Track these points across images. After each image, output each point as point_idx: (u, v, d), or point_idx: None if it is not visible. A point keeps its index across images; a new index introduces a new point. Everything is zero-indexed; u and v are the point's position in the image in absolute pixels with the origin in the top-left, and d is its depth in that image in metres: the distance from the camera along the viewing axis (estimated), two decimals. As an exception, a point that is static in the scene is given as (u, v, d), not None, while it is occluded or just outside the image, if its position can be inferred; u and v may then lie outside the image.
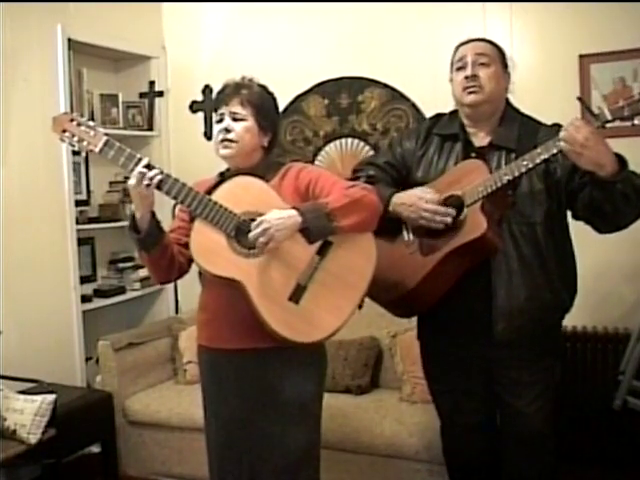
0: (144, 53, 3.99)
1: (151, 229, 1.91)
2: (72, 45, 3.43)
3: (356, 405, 2.98)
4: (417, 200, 2.07)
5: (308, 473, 2.02)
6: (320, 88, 3.70)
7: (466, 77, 2.06)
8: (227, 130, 1.97)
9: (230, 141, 1.97)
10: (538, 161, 1.92)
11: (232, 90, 2.00)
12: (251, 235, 1.82)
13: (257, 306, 1.84)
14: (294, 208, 1.86)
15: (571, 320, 2.89)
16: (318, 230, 1.86)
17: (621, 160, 1.85)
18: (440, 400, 2.32)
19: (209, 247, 1.88)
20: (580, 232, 2.16)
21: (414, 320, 2.34)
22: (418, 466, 2.73)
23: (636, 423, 2.85)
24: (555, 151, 1.87)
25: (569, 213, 2.09)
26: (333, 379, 3.09)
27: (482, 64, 2.07)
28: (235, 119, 1.97)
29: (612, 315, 3.15)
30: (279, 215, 1.83)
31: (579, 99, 1.91)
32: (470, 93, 2.06)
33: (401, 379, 3.06)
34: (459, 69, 2.09)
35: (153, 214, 1.93)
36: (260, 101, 2.00)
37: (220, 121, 2.00)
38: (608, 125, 1.84)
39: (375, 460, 2.80)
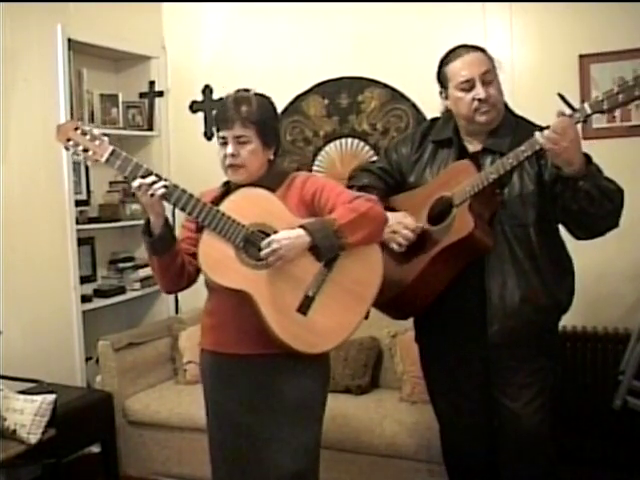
0: (144, 53, 3.99)
1: (163, 234, 1.92)
2: (72, 45, 3.43)
3: (356, 405, 2.98)
4: (396, 225, 2.12)
5: (310, 475, 2.02)
6: (320, 88, 3.70)
7: (479, 100, 2.04)
8: (233, 156, 1.95)
9: (238, 166, 1.95)
10: (522, 158, 1.94)
11: (232, 111, 1.94)
12: (262, 254, 1.84)
13: (266, 317, 1.86)
14: (302, 227, 1.87)
15: (571, 320, 2.89)
16: (327, 248, 1.87)
17: (588, 160, 1.88)
18: (438, 401, 2.32)
19: (217, 258, 1.89)
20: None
21: (413, 322, 2.34)
22: (418, 466, 2.73)
23: (636, 423, 2.85)
24: (538, 148, 1.89)
25: None
26: (333, 379, 3.05)
27: (488, 82, 2.06)
28: (239, 142, 1.94)
29: (612, 315, 3.15)
30: (288, 235, 1.84)
31: (559, 95, 1.91)
32: (483, 113, 2.06)
33: (401, 379, 3.06)
34: (466, 90, 2.06)
35: (166, 220, 1.93)
36: (261, 117, 1.96)
37: (224, 144, 1.97)
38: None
39: (375, 460, 2.81)
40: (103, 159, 1.88)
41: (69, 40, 3.40)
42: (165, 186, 1.87)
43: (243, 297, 1.87)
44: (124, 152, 1.90)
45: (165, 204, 1.92)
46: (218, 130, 1.99)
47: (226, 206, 1.92)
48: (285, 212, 1.92)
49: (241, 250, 1.89)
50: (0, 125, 3.11)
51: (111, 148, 1.88)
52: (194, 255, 1.94)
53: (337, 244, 1.87)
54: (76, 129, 1.89)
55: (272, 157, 2.03)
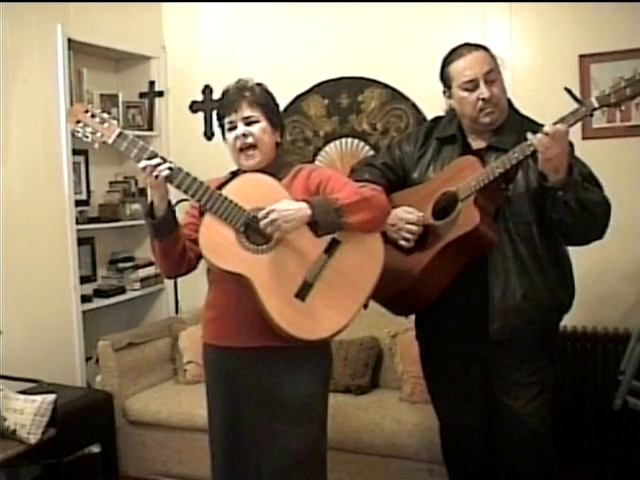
0: (144, 53, 3.99)
1: (166, 217, 1.93)
2: (72, 45, 3.43)
3: (356, 405, 2.98)
4: (398, 221, 2.12)
5: (312, 473, 2.01)
6: (320, 88, 3.70)
7: (483, 99, 2.05)
8: (245, 135, 1.97)
9: (251, 147, 1.97)
10: (528, 153, 1.94)
11: (236, 95, 1.99)
12: (261, 224, 1.84)
13: (263, 302, 1.86)
14: (304, 201, 1.88)
15: (571, 320, 2.89)
16: (326, 224, 1.87)
17: (570, 170, 1.89)
18: (439, 400, 2.32)
19: (218, 241, 1.90)
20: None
21: (414, 320, 2.34)
22: (418, 466, 2.73)
23: (636, 423, 2.85)
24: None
25: None
26: (333, 379, 3.07)
27: (492, 82, 2.06)
28: (248, 123, 1.98)
29: (612, 315, 3.15)
30: (288, 206, 1.85)
31: (566, 89, 1.91)
32: (488, 114, 2.07)
33: (401, 379, 3.05)
34: (469, 90, 2.07)
35: (169, 204, 1.95)
36: (266, 100, 2.02)
37: (232, 129, 1.99)
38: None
39: (375, 460, 2.81)
40: (110, 140, 1.92)
41: (69, 40, 3.40)
42: (170, 168, 1.89)
43: (242, 283, 1.87)
44: (131, 135, 1.94)
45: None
46: (224, 118, 2.01)
47: (228, 190, 1.93)
48: (288, 198, 1.92)
49: (242, 234, 1.90)
50: (0, 125, 3.11)
51: (118, 130, 1.93)
52: (196, 241, 1.95)
53: (337, 222, 1.87)
54: (86, 112, 1.94)
55: (279, 140, 2.06)
